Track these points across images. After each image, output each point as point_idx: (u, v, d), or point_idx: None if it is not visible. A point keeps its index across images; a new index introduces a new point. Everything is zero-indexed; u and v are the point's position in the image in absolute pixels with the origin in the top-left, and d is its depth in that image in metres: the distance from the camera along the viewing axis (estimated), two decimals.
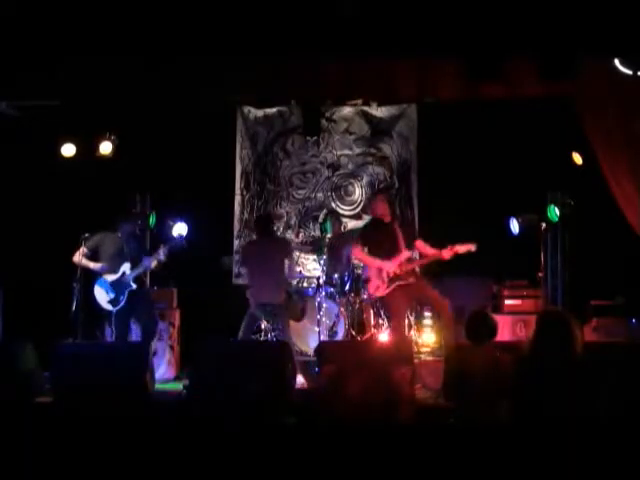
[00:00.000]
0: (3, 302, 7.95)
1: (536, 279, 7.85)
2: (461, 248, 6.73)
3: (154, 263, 7.04)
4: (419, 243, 7.03)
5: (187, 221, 8.10)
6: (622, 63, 7.18)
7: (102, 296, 6.91)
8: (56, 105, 8.04)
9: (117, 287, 6.88)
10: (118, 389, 5.66)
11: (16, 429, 4.97)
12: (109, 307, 6.90)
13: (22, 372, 5.93)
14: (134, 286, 6.93)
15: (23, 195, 8.42)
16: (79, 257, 6.92)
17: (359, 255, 7.06)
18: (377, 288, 6.84)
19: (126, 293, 6.89)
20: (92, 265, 6.94)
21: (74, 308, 6.85)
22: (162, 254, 7.01)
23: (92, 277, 7.07)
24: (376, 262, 6.83)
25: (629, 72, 7.18)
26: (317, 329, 7.74)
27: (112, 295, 6.88)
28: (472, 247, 6.73)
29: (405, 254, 6.83)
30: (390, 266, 6.77)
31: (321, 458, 4.58)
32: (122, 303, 6.88)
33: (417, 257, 7.30)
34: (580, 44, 6.93)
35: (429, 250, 6.97)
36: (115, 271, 6.92)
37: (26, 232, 8.32)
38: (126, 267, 6.92)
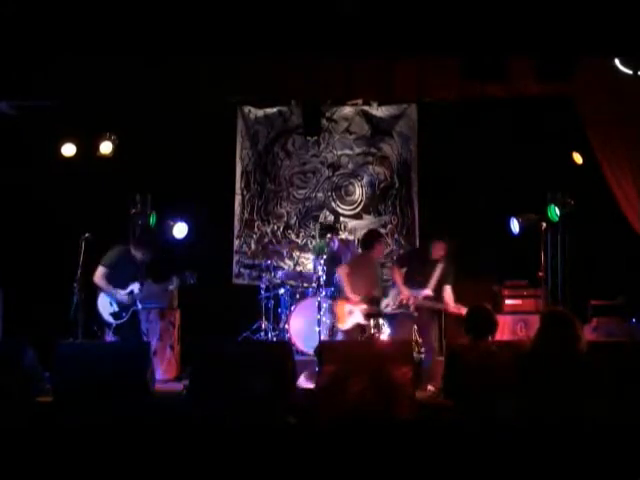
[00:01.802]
0: (3, 302, 7.95)
1: (536, 279, 7.85)
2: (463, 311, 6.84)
3: (162, 290, 7.15)
4: (447, 290, 7.18)
5: (187, 221, 8.11)
6: (622, 63, 7.18)
7: (105, 307, 6.87)
8: (56, 105, 8.04)
9: (123, 303, 6.86)
10: (118, 389, 5.66)
11: (16, 429, 4.97)
12: (110, 319, 6.87)
13: (22, 372, 5.93)
14: (140, 306, 6.94)
15: (23, 195, 8.42)
16: (102, 280, 6.88)
17: (395, 277, 7.39)
18: (386, 306, 7.25)
19: (130, 311, 6.88)
20: (113, 290, 6.89)
21: (74, 308, 6.84)
22: (172, 284, 7.09)
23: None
24: (400, 286, 7.20)
25: (629, 72, 7.18)
26: (317, 329, 7.74)
27: (116, 309, 6.86)
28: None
29: (426, 292, 7.10)
30: (407, 295, 7.11)
31: (321, 458, 4.58)
32: (123, 319, 6.86)
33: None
34: (580, 44, 6.93)
35: (448, 299, 7.15)
36: (124, 287, 6.91)
37: (26, 232, 8.33)
38: (135, 287, 6.91)
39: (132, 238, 7.32)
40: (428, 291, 7.09)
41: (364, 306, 7.31)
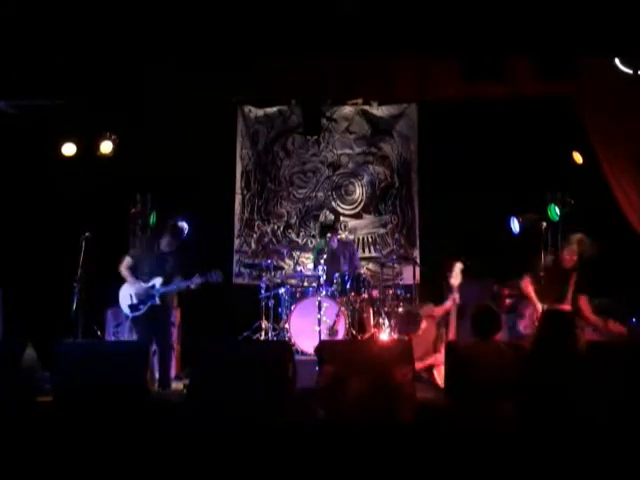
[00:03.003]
0: (3, 301, 7.95)
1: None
2: (615, 328, 6.69)
3: (183, 287, 7.05)
4: (583, 300, 6.89)
5: (187, 220, 8.11)
6: (622, 62, 7.19)
7: (125, 298, 6.89)
8: (56, 105, 8.04)
9: (142, 295, 6.87)
10: (118, 389, 5.66)
11: (16, 429, 4.98)
12: (127, 310, 6.89)
13: (22, 372, 5.92)
14: (158, 302, 6.91)
15: (23, 195, 8.42)
16: (125, 269, 6.90)
17: (528, 290, 7.02)
18: (526, 327, 6.99)
19: (148, 304, 6.87)
20: (134, 280, 6.90)
21: (74, 308, 6.85)
22: (194, 283, 6.97)
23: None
24: (538, 304, 6.86)
25: (629, 72, 7.18)
26: (317, 329, 7.73)
27: (135, 301, 6.86)
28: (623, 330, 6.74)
29: (566, 307, 6.79)
30: None
31: (321, 458, 4.58)
32: (140, 312, 6.86)
33: None
34: (580, 44, 6.94)
35: (588, 312, 6.82)
36: (147, 281, 6.91)
37: (26, 232, 8.33)
38: (157, 281, 6.89)
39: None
40: (567, 305, 6.76)
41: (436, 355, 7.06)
